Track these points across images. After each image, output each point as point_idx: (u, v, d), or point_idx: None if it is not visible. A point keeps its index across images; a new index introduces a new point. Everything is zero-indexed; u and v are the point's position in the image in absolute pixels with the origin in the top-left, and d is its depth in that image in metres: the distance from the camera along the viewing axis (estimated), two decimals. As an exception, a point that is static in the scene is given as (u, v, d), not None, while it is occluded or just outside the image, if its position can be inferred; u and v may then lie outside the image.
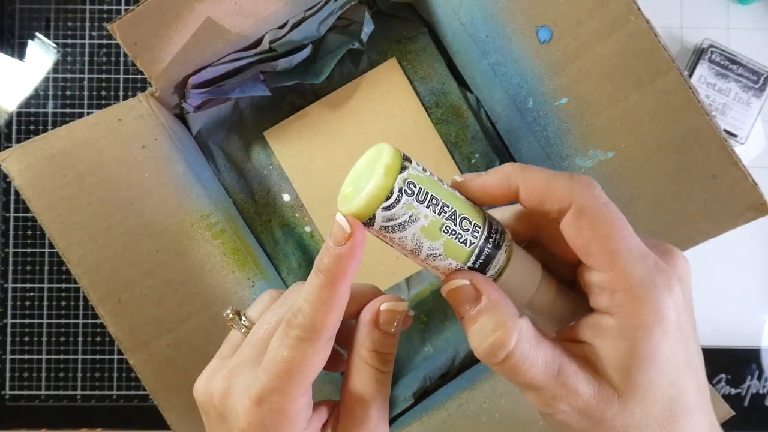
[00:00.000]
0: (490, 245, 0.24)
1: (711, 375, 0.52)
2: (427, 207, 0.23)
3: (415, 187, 0.23)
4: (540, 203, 0.23)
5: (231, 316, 0.29)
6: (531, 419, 0.38)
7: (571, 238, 0.23)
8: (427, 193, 0.23)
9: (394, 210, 0.23)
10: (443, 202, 0.23)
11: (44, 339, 0.50)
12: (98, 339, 0.50)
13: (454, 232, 0.23)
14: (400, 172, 0.23)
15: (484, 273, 0.24)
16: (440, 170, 0.47)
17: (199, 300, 0.38)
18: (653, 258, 0.23)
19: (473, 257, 0.24)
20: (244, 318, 0.29)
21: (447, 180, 0.25)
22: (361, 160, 0.24)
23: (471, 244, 0.24)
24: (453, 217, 0.23)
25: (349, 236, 0.23)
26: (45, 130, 0.49)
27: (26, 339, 0.50)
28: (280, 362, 0.24)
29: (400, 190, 0.22)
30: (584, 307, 0.24)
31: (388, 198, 0.22)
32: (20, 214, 0.51)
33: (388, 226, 0.23)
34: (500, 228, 0.25)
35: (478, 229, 0.24)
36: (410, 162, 0.23)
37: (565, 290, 0.26)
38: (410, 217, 0.23)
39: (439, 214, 0.23)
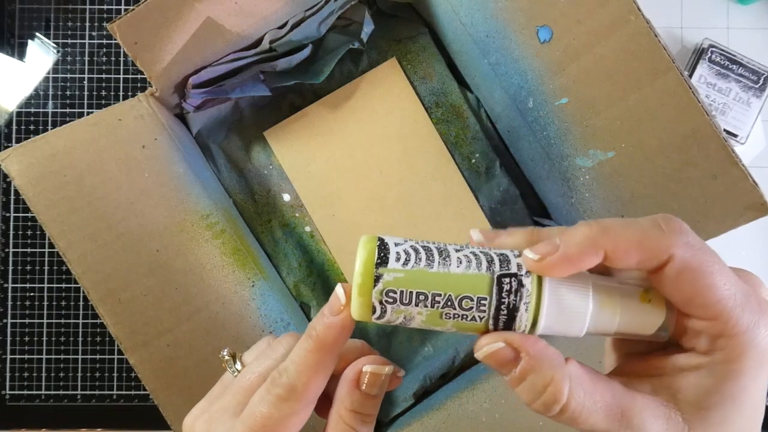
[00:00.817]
0: (505, 311, 0.22)
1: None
2: (416, 305, 0.22)
3: (396, 293, 0.22)
4: (636, 264, 0.22)
5: (226, 358, 0.29)
6: (531, 420, 0.38)
7: (670, 292, 0.22)
8: (411, 292, 0.22)
9: (386, 318, 0.23)
10: (432, 294, 0.22)
11: (44, 339, 0.50)
12: (98, 339, 0.50)
13: (457, 315, 0.23)
14: (375, 284, 0.22)
15: (512, 330, 0.23)
16: (440, 170, 0.47)
17: (199, 300, 0.38)
18: (755, 298, 0.22)
19: (491, 327, 0.23)
20: (238, 362, 0.29)
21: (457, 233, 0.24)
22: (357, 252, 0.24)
23: (481, 318, 0.23)
24: (449, 303, 0.22)
25: (344, 307, 0.24)
26: (45, 130, 0.49)
27: (26, 339, 0.50)
28: (258, 418, 0.25)
29: (380, 303, 0.22)
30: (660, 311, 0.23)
31: (373, 312, 0.23)
32: (20, 214, 0.51)
33: (389, 323, 0.23)
34: (515, 284, 0.22)
35: (483, 302, 0.22)
36: (386, 262, 0.22)
37: (631, 303, 0.23)
38: (405, 317, 0.23)
39: (432, 306, 0.22)
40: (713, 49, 0.49)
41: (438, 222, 0.47)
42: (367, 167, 0.47)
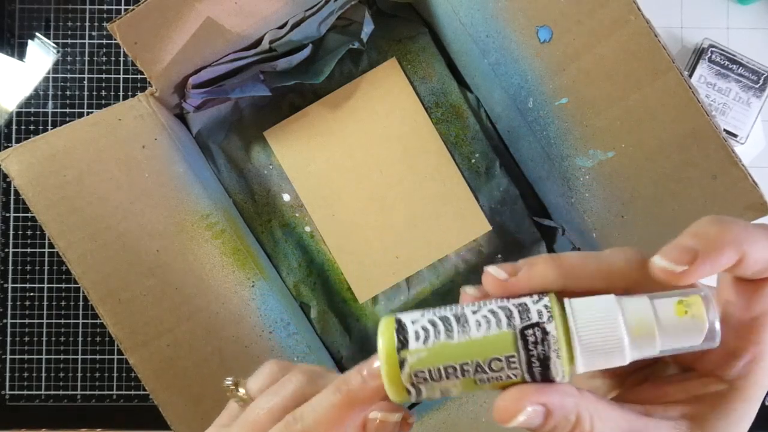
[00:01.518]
0: (537, 363, 0.22)
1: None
2: (448, 378, 0.22)
3: (424, 372, 0.22)
4: (754, 275, 0.21)
5: (231, 386, 0.28)
6: (531, 419, 0.38)
7: (750, 306, 0.21)
8: (439, 368, 0.22)
9: (423, 396, 0.22)
10: (460, 365, 0.22)
11: (44, 339, 0.50)
12: (98, 339, 0.50)
13: (490, 379, 0.22)
14: (402, 369, 0.22)
15: (552, 380, 0.22)
16: (440, 170, 0.47)
17: (199, 300, 0.38)
18: None
19: (528, 380, 0.22)
20: (241, 388, 0.28)
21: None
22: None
23: (514, 375, 0.22)
24: (479, 369, 0.22)
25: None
26: (45, 130, 0.49)
27: (26, 339, 0.50)
28: None
29: (412, 385, 0.22)
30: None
31: (409, 394, 0.22)
32: (20, 214, 0.51)
33: (432, 399, 0.23)
34: (539, 334, 0.22)
35: (512, 359, 0.22)
36: (407, 344, 0.22)
37: (668, 319, 0.22)
38: (441, 391, 0.22)
39: (463, 376, 0.22)
40: (713, 49, 0.49)
41: (438, 222, 0.47)
42: (367, 167, 0.47)
